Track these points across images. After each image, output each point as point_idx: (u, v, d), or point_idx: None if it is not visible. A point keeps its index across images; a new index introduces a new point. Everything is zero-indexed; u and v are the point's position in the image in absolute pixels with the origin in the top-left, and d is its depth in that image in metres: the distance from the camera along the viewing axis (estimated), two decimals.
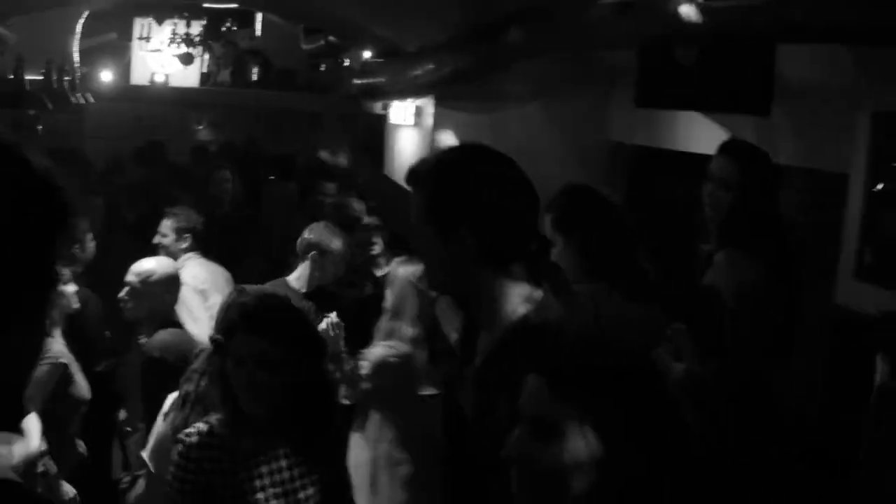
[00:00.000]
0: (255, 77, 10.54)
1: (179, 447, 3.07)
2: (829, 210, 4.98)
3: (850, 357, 4.23)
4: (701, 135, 6.14)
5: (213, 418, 3.14)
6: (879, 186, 4.53)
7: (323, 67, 9.84)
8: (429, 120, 7.95)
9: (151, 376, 4.53)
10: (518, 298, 2.24)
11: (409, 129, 8.42)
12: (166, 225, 6.15)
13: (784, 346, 3.91)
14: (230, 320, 3.08)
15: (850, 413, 4.01)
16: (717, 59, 6.21)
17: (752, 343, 3.60)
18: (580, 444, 1.74)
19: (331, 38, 9.11)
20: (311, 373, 3.02)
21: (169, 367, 4.29)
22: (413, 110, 8.27)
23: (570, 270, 3.34)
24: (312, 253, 5.40)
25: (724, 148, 3.87)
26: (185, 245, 6.11)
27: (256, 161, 9.85)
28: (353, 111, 9.21)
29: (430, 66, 7.28)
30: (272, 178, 9.20)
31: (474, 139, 8.15)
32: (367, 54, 8.58)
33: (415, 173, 2.27)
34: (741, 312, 3.60)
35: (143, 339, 5.00)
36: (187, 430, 3.14)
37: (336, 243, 5.40)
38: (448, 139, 7.70)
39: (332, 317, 4.62)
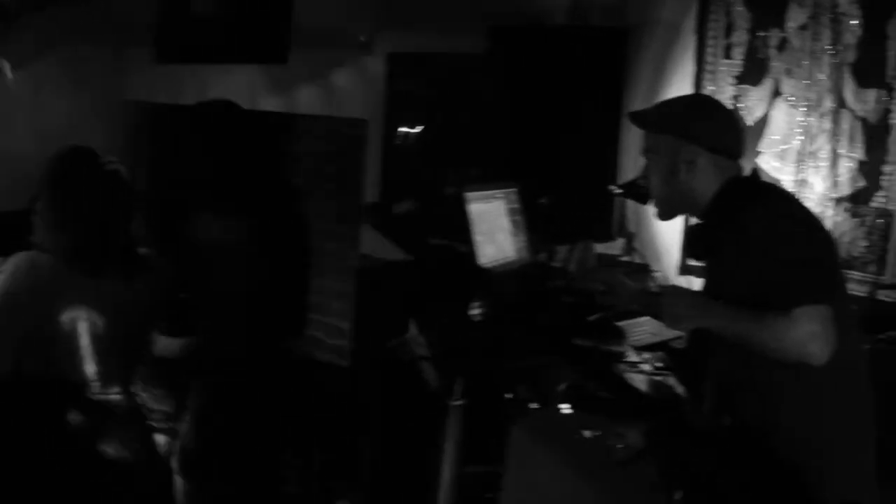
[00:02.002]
0: None
1: None
2: (351, 158, 4.84)
3: (374, 305, 4.12)
4: (222, 89, 5.80)
5: None
6: (403, 131, 4.45)
7: None
8: None
9: None
10: None
11: None
12: None
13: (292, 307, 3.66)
14: None
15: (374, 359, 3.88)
16: (233, 9, 5.93)
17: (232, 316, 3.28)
18: None
19: None
20: None
21: None
22: None
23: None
24: None
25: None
26: None
27: None
28: None
29: None
30: None
31: None
32: None
33: None
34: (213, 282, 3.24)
35: None
36: None
37: None
38: None
39: None
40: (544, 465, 1.87)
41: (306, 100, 5.14)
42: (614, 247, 4.26)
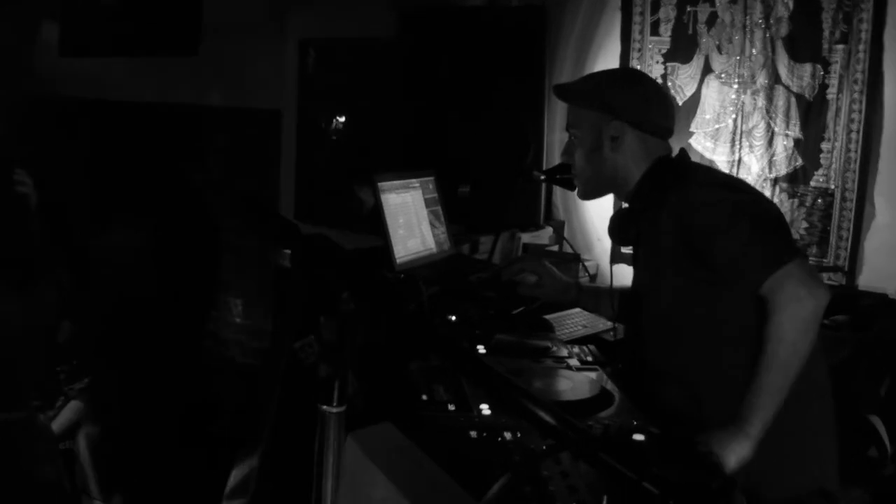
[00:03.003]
0: None
1: None
2: (268, 149, 4.64)
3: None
4: (134, 81, 5.55)
5: None
6: (340, 120, 4.24)
7: None
8: None
9: None
10: None
11: None
12: None
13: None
14: None
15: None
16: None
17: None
18: None
19: None
20: None
21: None
22: None
23: None
24: None
25: None
26: None
27: None
28: None
29: None
30: None
31: None
32: None
33: None
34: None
35: None
36: None
37: None
38: None
39: None
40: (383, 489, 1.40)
41: (218, 91, 4.92)
42: (542, 236, 4.05)
